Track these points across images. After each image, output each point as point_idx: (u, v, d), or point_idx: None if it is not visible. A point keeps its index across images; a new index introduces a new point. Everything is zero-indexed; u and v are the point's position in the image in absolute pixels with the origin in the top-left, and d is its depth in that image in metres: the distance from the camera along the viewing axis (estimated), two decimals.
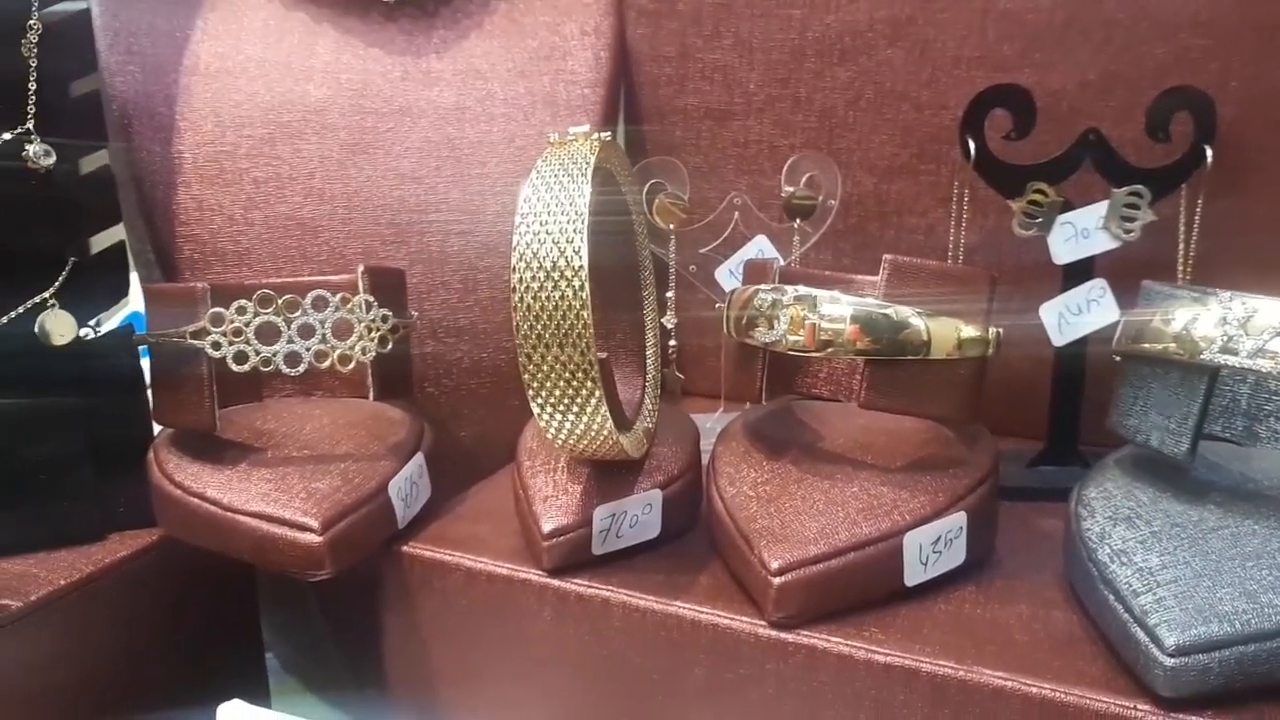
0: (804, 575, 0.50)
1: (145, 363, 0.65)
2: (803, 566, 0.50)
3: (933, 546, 0.53)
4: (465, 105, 0.76)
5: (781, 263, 0.59)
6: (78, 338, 0.62)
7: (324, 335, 0.58)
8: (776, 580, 0.50)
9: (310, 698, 0.86)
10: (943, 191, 0.77)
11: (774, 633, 0.51)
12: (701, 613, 0.52)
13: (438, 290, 0.75)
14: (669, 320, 0.72)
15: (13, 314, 0.61)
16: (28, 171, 0.61)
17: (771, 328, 0.53)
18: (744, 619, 0.52)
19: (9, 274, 0.61)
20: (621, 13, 0.83)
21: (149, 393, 0.64)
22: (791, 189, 0.71)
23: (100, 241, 0.65)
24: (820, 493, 0.54)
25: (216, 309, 0.57)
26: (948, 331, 0.54)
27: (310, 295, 0.58)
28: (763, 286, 0.55)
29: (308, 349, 0.58)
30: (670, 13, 0.82)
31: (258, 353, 0.57)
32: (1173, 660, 0.43)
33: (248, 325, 0.57)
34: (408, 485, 0.61)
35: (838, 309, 0.53)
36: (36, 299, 0.61)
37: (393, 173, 0.74)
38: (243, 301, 0.57)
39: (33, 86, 0.61)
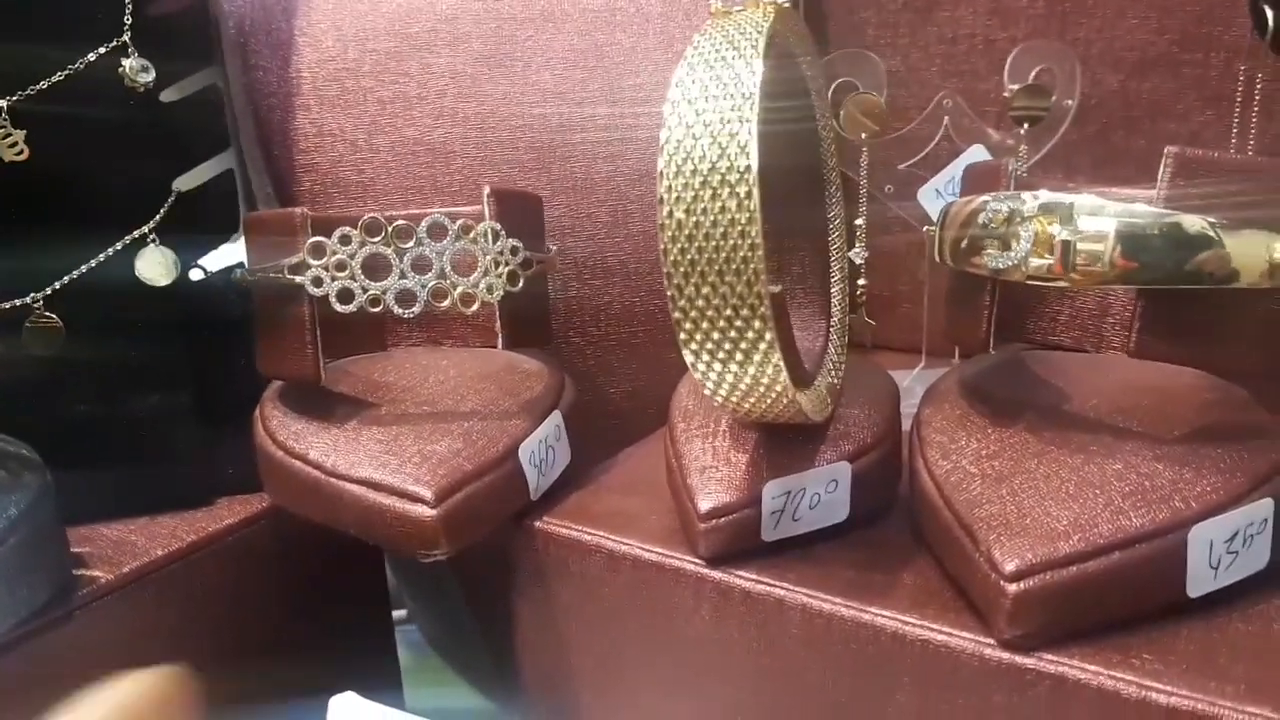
0: (1050, 580, 0.38)
1: None
2: (1048, 569, 0.38)
3: (1227, 545, 0.40)
4: (616, 6, 0.65)
5: (1017, 167, 0.45)
6: (181, 279, 0.55)
7: (442, 269, 0.49)
8: (1012, 587, 0.38)
9: (451, 678, 0.79)
10: (1211, 89, 0.61)
11: (1007, 655, 0.39)
12: (907, 623, 0.40)
13: (583, 224, 0.65)
14: (858, 254, 0.59)
15: (109, 252, 0.54)
16: (124, 91, 0.54)
17: (1007, 248, 0.40)
18: (965, 634, 0.40)
19: (104, 207, 0.54)
20: None
21: None
22: (1017, 86, 0.56)
23: (205, 171, 0.57)
24: (1070, 470, 0.41)
25: (317, 238, 0.48)
26: (1254, 251, 0.39)
27: (425, 222, 0.48)
28: (992, 196, 0.42)
29: (423, 286, 0.49)
30: None
31: (365, 290, 0.48)
32: None
33: (352, 258, 0.48)
34: (542, 449, 0.51)
35: (1100, 222, 0.39)
36: (135, 234, 0.54)
37: (533, 88, 0.64)
38: (346, 230, 0.48)
39: None
